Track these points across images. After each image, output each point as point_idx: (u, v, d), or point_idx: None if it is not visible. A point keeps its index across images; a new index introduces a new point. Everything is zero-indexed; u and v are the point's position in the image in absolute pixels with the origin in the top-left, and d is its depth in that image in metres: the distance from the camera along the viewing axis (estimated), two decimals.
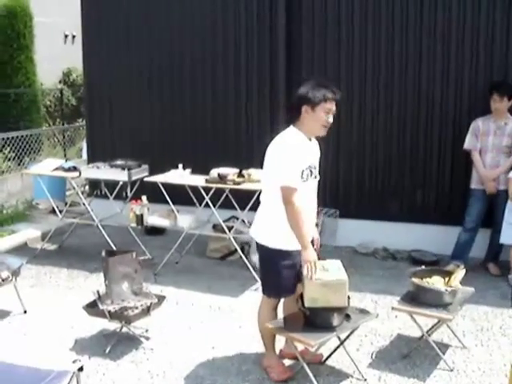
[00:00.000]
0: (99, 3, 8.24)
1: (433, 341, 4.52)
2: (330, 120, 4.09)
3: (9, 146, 9.74)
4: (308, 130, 4.08)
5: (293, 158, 3.97)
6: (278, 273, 4.10)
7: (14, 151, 9.95)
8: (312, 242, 4.18)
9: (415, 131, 6.90)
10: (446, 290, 4.40)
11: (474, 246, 6.39)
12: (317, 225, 4.45)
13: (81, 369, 3.01)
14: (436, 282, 4.53)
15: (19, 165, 9.98)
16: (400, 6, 6.75)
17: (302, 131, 4.07)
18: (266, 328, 4.21)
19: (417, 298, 4.47)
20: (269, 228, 4.12)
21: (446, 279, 4.57)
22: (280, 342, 4.50)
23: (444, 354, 4.55)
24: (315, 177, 4.17)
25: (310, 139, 4.14)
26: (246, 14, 7.38)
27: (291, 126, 4.11)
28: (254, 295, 5.51)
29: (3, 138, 9.53)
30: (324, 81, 4.20)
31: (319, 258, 4.08)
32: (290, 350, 4.33)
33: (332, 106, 4.06)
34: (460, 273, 4.59)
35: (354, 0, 6.91)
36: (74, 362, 3.04)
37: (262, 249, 4.21)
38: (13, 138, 9.79)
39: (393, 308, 4.58)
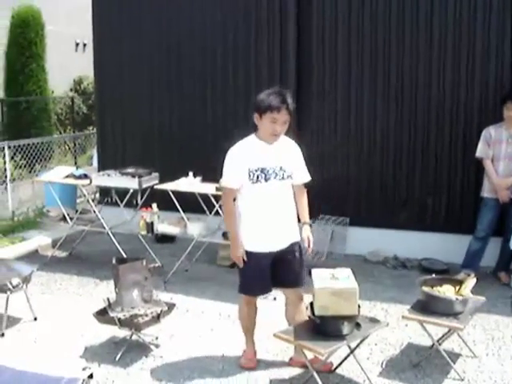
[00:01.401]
0: (110, 12, 8.30)
1: (443, 350, 4.50)
2: (277, 129, 4.16)
3: (20, 153, 9.79)
4: (261, 136, 4.24)
5: (233, 160, 4.23)
6: (244, 271, 4.34)
7: (25, 159, 10.00)
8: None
9: (426, 138, 6.88)
10: (457, 299, 4.38)
11: (485, 254, 6.34)
12: (310, 225, 4.49)
13: (90, 376, 3.02)
14: (446, 291, 4.51)
15: (30, 172, 10.03)
16: (410, 11, 6.76)
17: (258, 137, 4.24)
18: (242, 320, 4.56)
19: (427, 307, 4.44)
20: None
21: (457, 288, 4.54)
22: (290, 349, 4.52)
23: (455, 363, 4.51)
24: (281, 179, 4.24)
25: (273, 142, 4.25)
26: (256, 19, 7.43)
27: (253, 134, 4.30)
28: (264, 303, 5.48)
29: (14, 146, 9.59)
30: (279, 89, 4.27)
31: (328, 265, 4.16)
32: (300, 358, 4.33)
33: (278, 116, 4.11)
34: (471, 281, 4.56)
35: (364, 11, 6.93)
36: (83, 369, 3.04)
37: None
38: (24, 145, 9.84)
39: (403, 317, 4.55)
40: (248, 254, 4.25)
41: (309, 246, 4.38)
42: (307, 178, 4.48)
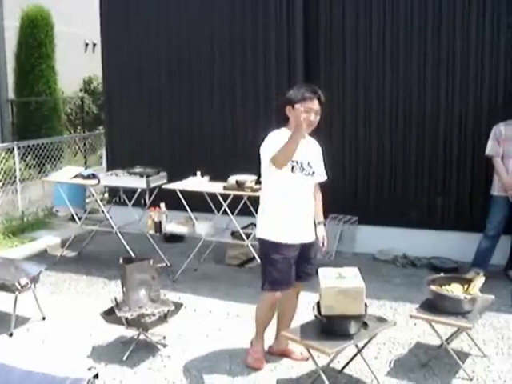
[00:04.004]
0: (118, 12, 8.31)
1: (452, 349, 4.46)
2: (312, 118, 4.26)
3: (29, 153, 9.83)
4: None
5: (275, 143, 4.11)
6: (272, 265, 4.30)
7: (35, 159, 10.03)
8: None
9: (434, 136, 6.84)
10: (465, 298, 4.34)
11: (495, 252, 6.29)
12: (324, 224, 4.56)
13: (96, 376, 3.02)
14: (455, 290, 4.48)
15: (40, 172, 10.06)
16: (418, 16, 6.73)
17: (291, 129, 4.20)
18: (259, 319, 4.51)
19: (435, 306, 4.41)
20: (262, 221, 4.38)
21: (465, 287, 4.51)
22: (298, 349, 4.52)
23: (464, 362, 4.48)
24: (308, 174, 4.31)
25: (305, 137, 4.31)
26: (264, 21, 7.41)
27: (283, 127, 4.32)
28: None
29: (24, 146, 9.62)
30: (307, 84, 4.49)
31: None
32: (279, 347, 4.59)
33: (312, 105, 4.23)
34: (479, 280, 4.52)
35: (372, 19, 6.92)
36: (89, 369, 3.04)
37: (259, 241, 4.45)
38: (34, 145, 9.87)
39: (411, 316, 4.52)
40: (277, 245, 4.27)
41: (323, 245, 4.46)
42: (324, 177, 4.56)
